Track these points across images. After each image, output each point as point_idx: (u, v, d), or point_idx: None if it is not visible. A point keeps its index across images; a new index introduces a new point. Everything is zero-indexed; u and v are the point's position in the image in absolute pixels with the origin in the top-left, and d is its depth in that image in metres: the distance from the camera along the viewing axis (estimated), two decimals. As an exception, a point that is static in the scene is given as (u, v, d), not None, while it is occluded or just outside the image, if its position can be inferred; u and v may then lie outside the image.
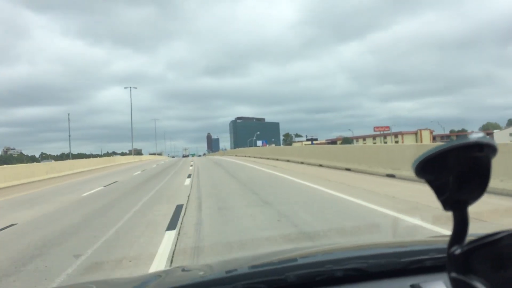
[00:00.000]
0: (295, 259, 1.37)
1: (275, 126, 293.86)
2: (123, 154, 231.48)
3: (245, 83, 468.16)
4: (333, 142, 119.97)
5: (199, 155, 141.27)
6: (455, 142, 0.64)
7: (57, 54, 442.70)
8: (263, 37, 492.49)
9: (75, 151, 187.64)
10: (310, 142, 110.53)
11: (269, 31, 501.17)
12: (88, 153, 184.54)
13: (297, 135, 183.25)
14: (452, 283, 0.68)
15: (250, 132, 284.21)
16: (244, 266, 1.37)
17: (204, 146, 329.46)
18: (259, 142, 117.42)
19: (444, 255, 0.70)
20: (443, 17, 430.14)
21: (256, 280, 1.12)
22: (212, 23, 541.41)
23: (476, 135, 0.65)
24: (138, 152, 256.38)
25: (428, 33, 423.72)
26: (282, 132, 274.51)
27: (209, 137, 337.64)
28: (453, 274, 0.68)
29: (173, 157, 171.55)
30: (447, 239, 0.70)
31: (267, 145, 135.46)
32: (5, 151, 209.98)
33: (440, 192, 0.68)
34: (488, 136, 0.68)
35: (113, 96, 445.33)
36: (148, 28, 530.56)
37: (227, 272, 1.28)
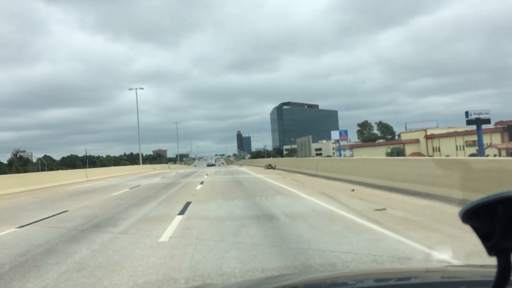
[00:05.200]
0: (345, 283, 1.38)
1: (332, 114, 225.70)
2: (144, 157, 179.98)
3: (272, 78, 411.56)
4: None
5: (212, 165, 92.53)
6: (506, 193, 0.66)
7: (76, 51, 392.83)
8: (293, 26, 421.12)
9: (104, 153, 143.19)
10: (474, 128, 44.42)
11: (299, 18, 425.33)
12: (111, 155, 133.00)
13: (381, 124, 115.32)
14: None
15: (302, 123, 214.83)
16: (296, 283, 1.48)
17: (234, 146, 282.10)
18: (334, 134, 57.34)
19: None
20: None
21: None
22: (237, 11, 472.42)
23: None
24: (158, 155, 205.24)
25: (476, 17, 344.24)
26: (341, 123, 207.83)
27: (239, 136, 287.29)
28: None
29: (195, 165, 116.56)
30: (464, 269, 0.84)
31: (347, 139, 74.09)
32: (15, 154, 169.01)
33: (485, 239, 0.71)
34: None
35: (136, 95, 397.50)
36: (168, 18, 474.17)
37: None
